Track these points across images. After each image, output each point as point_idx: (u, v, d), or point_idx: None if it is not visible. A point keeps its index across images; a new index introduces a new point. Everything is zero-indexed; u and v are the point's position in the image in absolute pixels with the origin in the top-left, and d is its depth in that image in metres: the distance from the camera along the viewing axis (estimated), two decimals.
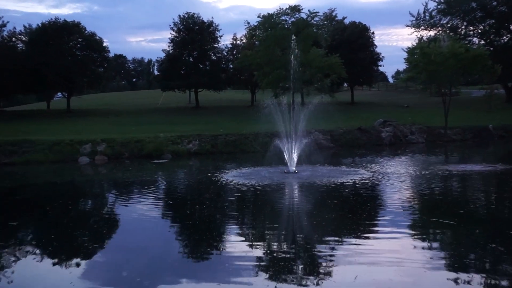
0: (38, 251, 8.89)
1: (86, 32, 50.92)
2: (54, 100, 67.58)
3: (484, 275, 7.01)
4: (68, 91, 52.96)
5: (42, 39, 47.53)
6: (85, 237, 9.74)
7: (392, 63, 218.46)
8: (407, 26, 58.37)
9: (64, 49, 48.36)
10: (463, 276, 7.00)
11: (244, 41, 54.87)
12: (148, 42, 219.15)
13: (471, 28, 56.15)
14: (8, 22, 54.47)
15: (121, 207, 13.05)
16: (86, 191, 16.57)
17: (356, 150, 26.36)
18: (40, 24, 49.46)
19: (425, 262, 7.58)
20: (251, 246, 8.80)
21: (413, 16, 57.81)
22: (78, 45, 50.94)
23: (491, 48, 49.71)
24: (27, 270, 7.89)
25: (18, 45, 51.34)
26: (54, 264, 8.18)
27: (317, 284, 6.84)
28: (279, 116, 18.38)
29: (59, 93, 62.74)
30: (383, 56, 58.33)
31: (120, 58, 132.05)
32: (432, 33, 56.83)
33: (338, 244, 8.70)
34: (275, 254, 8.30)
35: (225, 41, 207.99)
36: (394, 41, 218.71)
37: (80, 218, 11.74)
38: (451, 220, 10.11)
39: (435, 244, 8.70)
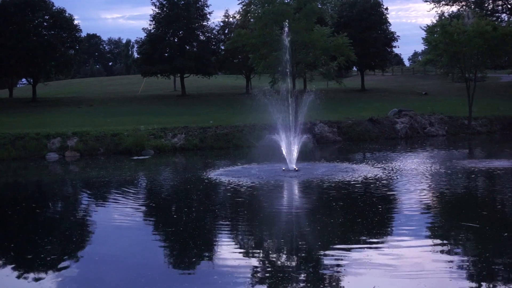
0: None
1: (53, 8, 50.53)
2: (17, 88, 67.27)
3: None
4: (33, 77, 52.69)
5: (1, 17, 47.14)
6: (53, 246, 9.70)
7: (409, 43, 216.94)
8: (426, 1, 58.42)
9: (27, 28, 48.01)
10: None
11: (237, 18, 54.69)
12: (127, 20, 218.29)
13: (500, 2, 56.18)
14: None
15: (95, 211, 13.03)
16: (54, 192, 16.51)
17: (366, 145, 26.41)
18: None
19: (447, 271, 7.62)
20: (245, 255, 8.81)
21: None
22: (45, 24, 50.53)
23: None
24: None
25: None
26: (15, 277, 8.15)
27: None
28: (278, 106, 18.37)
29: (23, 79, 62.36)
30: (398, 36, 58.26)
31: (93, 38, 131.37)
32: (454, 8, 56.89)
33: (346, 253, 8.70)
34: (273, 265, 8.32)
35: (216, 18, 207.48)
36: (413, 18, 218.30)
37: (48, 224, 11.71)
38: (474, 222, 10.17)
39: (457, 251, 8.77)
